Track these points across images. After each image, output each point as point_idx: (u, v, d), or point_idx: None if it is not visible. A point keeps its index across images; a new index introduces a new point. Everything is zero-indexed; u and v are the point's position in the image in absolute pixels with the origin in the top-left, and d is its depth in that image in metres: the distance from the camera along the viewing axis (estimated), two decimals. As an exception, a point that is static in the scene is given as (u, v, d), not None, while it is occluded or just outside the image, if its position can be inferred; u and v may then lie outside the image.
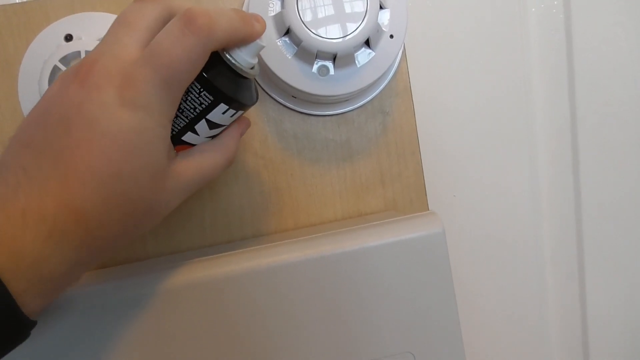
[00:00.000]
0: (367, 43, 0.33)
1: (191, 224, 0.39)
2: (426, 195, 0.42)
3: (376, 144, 0.41)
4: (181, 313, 0.31)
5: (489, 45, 0.45)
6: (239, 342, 0.32)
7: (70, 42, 0.33)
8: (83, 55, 0.32)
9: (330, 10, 0.31)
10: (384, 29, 0.33)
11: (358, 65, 0.34)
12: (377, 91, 0.39)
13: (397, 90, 0.40)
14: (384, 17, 0.33)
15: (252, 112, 0.39)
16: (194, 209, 0.39)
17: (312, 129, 0.40)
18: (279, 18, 0.32)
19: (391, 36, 0.34)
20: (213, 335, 0.32)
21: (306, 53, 0.32)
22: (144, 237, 0.39)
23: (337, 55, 0.32)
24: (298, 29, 0.31)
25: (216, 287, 0.31)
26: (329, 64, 0.34)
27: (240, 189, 0.40)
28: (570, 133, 0.47)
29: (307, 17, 0.31)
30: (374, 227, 0.33)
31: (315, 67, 0.33)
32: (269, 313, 0.32)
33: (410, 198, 0.42)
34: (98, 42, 0.33)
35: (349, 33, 0.31)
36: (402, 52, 0.40)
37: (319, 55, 0.32)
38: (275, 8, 0.33)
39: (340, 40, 0.31)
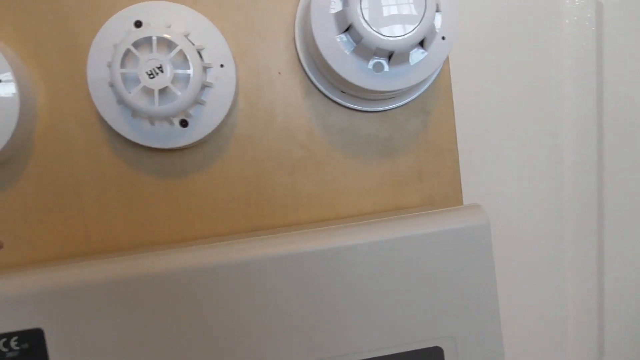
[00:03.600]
0: (421, 43, 0.35)
1: (236, 210, 0.41)
2: (462, 192, 0.44)
3: (416, 142, 0.43)
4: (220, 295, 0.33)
5: (524, 54, 0.47)
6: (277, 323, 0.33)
7: (140, 28, 0.35)
8: (154, 40, 0.34)
9: (390, 10, 0.33)
10: (436, 30, 0.35)
11: (411, 64, 0.35)
12: (421, 91, 0.41)
13: (438, 90, 0.42)
14: (438, 19, 0.35)
15: (299, 106, 0.41)
16: (239, 196, 0.41)
17: (357, 125, 0.42)
18: (341, 15, 0.34)
19: (443, 38, 0.36)
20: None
21: (365, 50, 0.34)
22: (190, 219, 0.40)
23: (394, 53, 0.34)
24: (360, 26, 0.33)
25: (254, 269, 0.33)
26: (384, 61, 0.35)
27: (286, 179, 0.41)
28: (596, 139, 0.49)
29: (368, 16, 0.33)
30: (420, 216, 0.34)
31: (371, 64, 0.35)
32: (313, 297, 0.33)
33: (447, 194, 0.43)
34: (167, 27, 0.35)
35: (407, 32, 0.33)
36: (447, 54, 0.41)
37: (377, 52, 0.34)
38: (336, 6, 0.34)
39: (399, 38, 0.33)
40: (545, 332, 0.52)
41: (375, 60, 0.35)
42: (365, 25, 0.33)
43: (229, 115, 0.39)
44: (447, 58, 0.42)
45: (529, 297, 0.51)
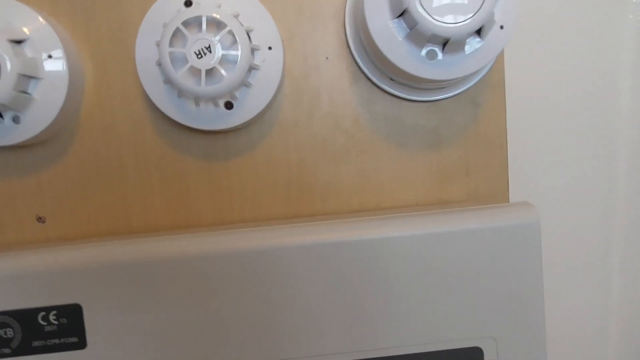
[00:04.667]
0: (478, 32, 0.33)
1: (276, 196, 0.40)
2: (509, 189, 0.42)
3: (465, 134, 0.41)
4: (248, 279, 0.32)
5: (583, 49, 0.45)
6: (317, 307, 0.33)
7: (190, 7, 0.35)
8: (204, 20, 0.33)
9: (448, -4, 0.32)
10: (495, 19, 0.34)
11: (466, 53, 0.34)
12: (473, 82, 0.40)
13: (491, 82, 0.41)
14: (498, 6, 0.33)
15: (345, 92, 0.40)
16: (281, 180, 0.40)
17: (404, 114, 0.41)
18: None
19: (501, 27, 0.34)
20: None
21: (419, 36, 0.33)
22: (230, 203, 0.40)
23: (449, 41, 0.32)
24: (415, 11, 0.32)
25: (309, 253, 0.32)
26: (438, 49, 0.34)
27: (328, 166, 0.40)
28: (656, 141, 0.46)
29: (425, 1, 0.32)
30: (467, 211, 0.33)
31: (424, 51, 0.34)
32: (352, 288, 0.33)
33: (493, 190, 0.42)
34: (217, 7, 0.35)
35: (464, 19, 0.32)
36: (503, 44, 0.40)
37: (431, 39, 0.33)
38: (392, -11, 0.33)
39: (455, 25, 0.32)
40: (586, 337, 0.50)
41: (429, 48, 0.34)
42: (420, 10, 0.32)
43: (274, 99, 0.38)
44: (503, 49, 0.40)
45: (572, 300, 0.49)
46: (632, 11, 0.45)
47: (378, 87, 0.40)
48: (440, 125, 0.41)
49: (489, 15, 0.32)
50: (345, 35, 0.39)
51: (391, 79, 0.39)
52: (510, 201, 0.42)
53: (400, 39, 0.34)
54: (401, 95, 0.40)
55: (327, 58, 0.40)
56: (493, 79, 0.41)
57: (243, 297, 0.33)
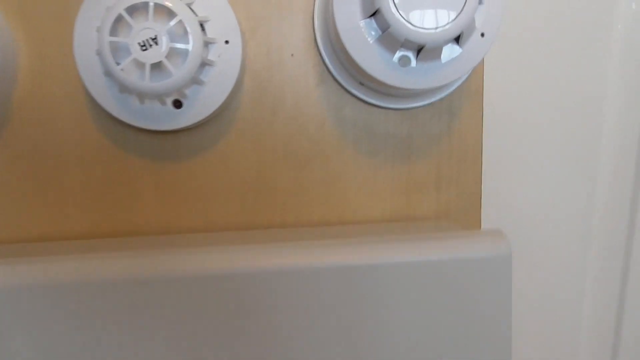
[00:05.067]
0: (457, 39, 0.30)
1: (230, 203, 0.37)
2: (481, 206, 0.39)
3: (438, 145, 0.38)
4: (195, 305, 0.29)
5: (566, 60, 0.42)
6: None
7: (137, -8, 0.31)
8: (151, 6, 0.29)
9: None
10: (476, 25, 0.30)
11: (442, 61, 0.31)
12: (449, 90, 0.37)
13: (468, 91, 0.38)
14: (479, 12, 0.30)
15: (311, 93, 0.36)
16: (236, 186, 0.37)
17: (374, 121, 0.37)
18: (367, -3, 0.29)
19: (482, 35, 0.31)
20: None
21: (391, 40, 0.29)
22: (179, 209, 0.37)
23: (425, 47, 0.29)
24: (388, 12, 0.28)
25: (242, 281, 0.29)
26: (412, 55, 0.31)
27: (289, 173, 0.37)
28: (634, 163, 0.44)
29: (400, 2, 0.28)
30: (437, 239, 0.30)
31: (396, 56, 0.31)
32: (315, 315, 0.30)
33: (465, 207, 0.39)
34: (167, -5, 0.31)
35: (442, 24, 0.28)
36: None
37: (405, 44, 0.30)
38: (364, -14, 0.30)
39: (432, 31, 0.28)
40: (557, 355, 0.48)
41: (402, 53, 0.31)
42: (394, 11, 0.28)
43: (231, 96, 0.34)
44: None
45: (544, 316, 0.47)
46: (619, 21, 0.42)
47: (347, 90, 0.36)
48: (413, 134, 0.38)
49: (469, 21, 0.29)
50: (314, 30, 0.36)
51: (361, 83, 0.35)
52: (482, 219, 0.39)
53: (371, 41, 0.30)
54: (371, 102, 0.36)
55: (292, 55, 0.36)
56: (471, 87, 0.38)
57: (196, 322, 0.30)
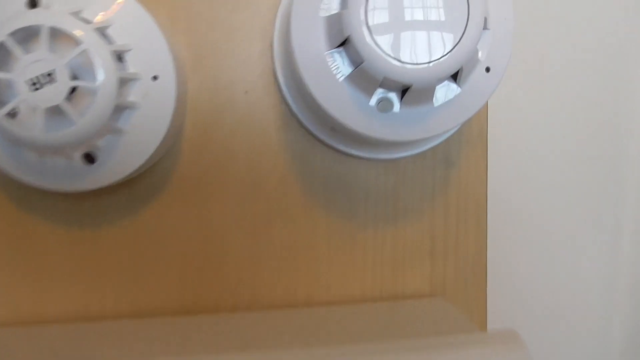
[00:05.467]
0: (454, 75, 0.23)
1: (167, 280, 0.29)
2: (486, 277, 0.32)
3: (431, 203, 0.30)
4: None
5: (586, 93, 0.35)
6: None
7: (33, 10, 0.23)
8: (46, 30, 0.22)
9: (412, 23, 0.21)
10: (479, 57, 0.23)
11: (435, 104, 0.23)
12: (445, 136, 0.29)
13: (469, 135, 0.30)
14: (483, 40, 0.23)
15: (270, 140, 0.29)
16: (174, 259, 0.29)
17: (350, 173, 0.30)
18: (335, 21, 0.22)
19: (487, 69, 0.23)
20: None
21: (366, 78, 0.22)
22: (100, 287, 0.29)
23: (412, 88, 0.22)
24: (361, 40, 0.21)
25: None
26: (395, 97, 0.23)
27: (242, 243, 0.29)
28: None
29: (377, 27, 0.21)
30: (432, 348, 0.22)
31: (374, 99, 0.23)
32: None
33: (465, 278, 0.31)
34: (73, 14, 0.23)
35: (436, 57, 0.21)
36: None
37: (384, 83, 0.22)
38: (330, 6, 0.22)
39: (423, 66, 0.21)
40: None
41: (382, 95, 0.23)
42: (369, 39, 0.21)
43: (162, 148, 0.27)
44: (487, 92, 0.30)
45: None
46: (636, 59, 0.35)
47: (315, 137, 0.29)
48: (399, 189, 0.30)
49: (470, 52, 0.21)
50: (273, 61, 0.28)
51: (332, 129, 0.28)
52: (487, 297, 0.31)
53: (341, 79, 0.23)
54: (346, 151, 0.29)
55: (246, 92, 0.28)
56: (472, 131, 0.30)
57: None
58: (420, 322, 0.27)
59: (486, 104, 0.30)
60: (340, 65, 0.23)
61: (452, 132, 0.29)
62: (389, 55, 0.21)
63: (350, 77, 0.23)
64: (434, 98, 0.23)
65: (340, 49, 0.23)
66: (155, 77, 0.25)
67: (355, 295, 0.30)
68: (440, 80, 0.22)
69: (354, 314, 0.29)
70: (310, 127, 0.28)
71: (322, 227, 0.30)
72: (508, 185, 0.32)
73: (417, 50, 0.21)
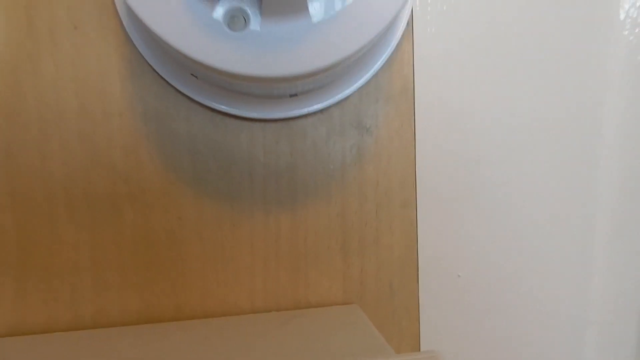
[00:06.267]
0: (340, -27, 0.15)
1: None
2: (418, 279, 0.24)
3: (341, 182, 0.23)
4: None
5: (552, 48, 0.27)
6: None
7: None
8: None
9: None
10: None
11: (313, 20, 0.16)
12: (354, 86, 0.21)
13: (389, 90, 0.23)
14: None
15: (114, 94, 0.21)
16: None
17: (227, 141, 0.22)
18: None
19: (392, -30, 0.16)
20: None
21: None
22: None
23: (267, -15, 0.14)
24: None
25: None
26: (251, 7, 0.15)
27: (79, 235, 0.21)
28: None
29: None
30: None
31: (220, 10, 0.15)
32: None
33: (390, 281, 0.24)
34: None
35: None
36: (409, 18, 0.22)
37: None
38: None
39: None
40: None
41: (233, 4, 0.15)
42: None
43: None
44: (411, 28, 0.22)
45: None
46: (627, 27, 0.28)
47: (175, 89, 0.21)
48: (298, 163, 0.22)
49: None
50: (112, -15, 0.20)
51: (192, 75, 0.20)
52: (419, 301, 0.24)
53: (167, -21, 0.15)
54: (218, 107, 0.21)
55: (75, 27, 0.20)
56: (394, 84, 0.23)
57: None
58: (317, 340, 0.19)
59: (412, 48, 0.23)
60: (166, -41, 0.15)
61: (363, 79, 0.21)
62: None
63: (179, -25, 0.15)
64: (309, 7, 0.15)
65: None
66: None
67: (242, 308, 0.22)
68: (310, -26, 0.14)
69: (233, 329, 0.21)
70: (166, 75, 0.20)
71: (190, 214, 0.22)
72: (444, 159, 0.24)
73: None
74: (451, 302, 0.25)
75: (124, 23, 0.20)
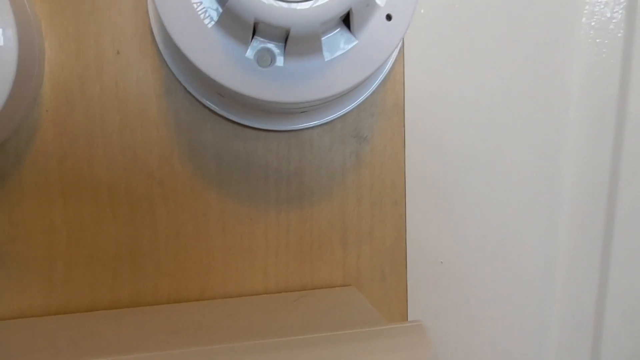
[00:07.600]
0: (347, 22, 0.19)
1: (34, 276, 0.24)
2: (407, 267, 0.28)
3: (342, 183, 0.27)
4: None
5: (522, 61, 0.32)
6: None
7: None
8: None
9: (287, -50, 0.17)
10: (378, 1, 0.19)
11: (326, 58, 0.19)
12: (354, 104, 0.25)
13: (383, 105, 0.27)
14: (382, -19, 0.19)
15: (151, 111, 0.24)
16: (39, 254, 0.24)
17: (247, 149, 0.26)
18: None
19: (389, 17, 0.20)
20: None
21: (236, 22, 0.18)
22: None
23: (291, 34, 0.18)
24: (224, -27, 0.17)
25: None
26: (276, 48, 0.19)
27: (120, 229, 0.25)
28: (606, 199, 0.34)
29: (244, -44, 0.17)
30: (327, 343, 0.19)
31: (251, 50, 0.19)
32: None
33: (382, 269, 0.28)
34: None
35: (316, -5, 0.17)
36: (400, 47, 0.26)
37: (260, 30, 0.18)
38: None
39: (300, 6, 0.17)
40: None
41: (261, 46, 0.19)
42: (234, -28, 0.17)
43: (5, 123, 0.22)
44: (402, 53, 0.26)
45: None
46: (589, 14, 0.32)
47: (204, 105, 0.24)
48: (305, 168, 0.26)
49: (362, -8, 0.18)
50: (148, 16, 0.24)
51: (219, 94, 0.24)
52: (408, 284, 0.28)
53: (210, 25, 0.19)
54: (239, 121, 0.25)
55: (118, 52, 0.24)
56: (387, 101, 0.27)
57: None
58: (321, 314, 0.23)
59: (403, 69, 0.27)
60: (208, 10, 0.19)
61: (361, 98, 0.25)
62: (259, -9, 0.17)
63: (220, 23, 0.19)
64: (323, 49, 0.19)
65: (209, -11, 0.19)
66: (-11, 29, 0.20)
67: (257, 288, 0.26)
68: (325, 25, 0.18)
69: (250, 307, 0.25)
70: (195, 94, 0.24)
71: (214, 211, 0.26)
72: (429, 164, 0.29)
73: (294, -15, 0.17)
74: (434, 284, 0.29)
75: (160, 49, 0.24)
